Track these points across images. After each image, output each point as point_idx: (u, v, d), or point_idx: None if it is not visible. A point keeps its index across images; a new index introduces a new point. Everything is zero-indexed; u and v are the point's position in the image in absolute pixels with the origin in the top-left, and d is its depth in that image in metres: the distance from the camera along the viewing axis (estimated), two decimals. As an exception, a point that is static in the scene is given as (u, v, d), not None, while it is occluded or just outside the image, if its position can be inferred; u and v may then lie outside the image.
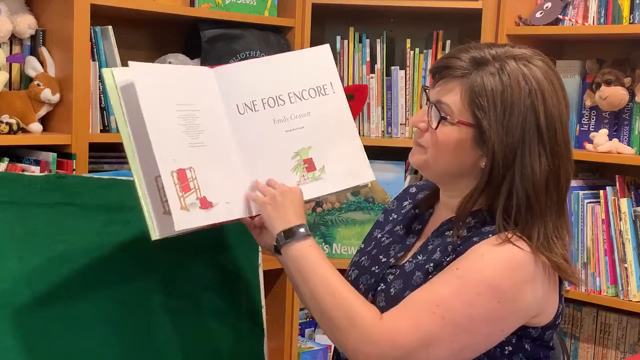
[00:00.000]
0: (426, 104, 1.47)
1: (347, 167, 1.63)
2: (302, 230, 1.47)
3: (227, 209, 1.53)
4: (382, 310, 1.40)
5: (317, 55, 1.69)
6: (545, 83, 1.39)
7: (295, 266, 1.46)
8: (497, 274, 1.35)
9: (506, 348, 1.42)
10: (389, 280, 1.48)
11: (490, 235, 1.39)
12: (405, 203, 1.66)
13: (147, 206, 1.45)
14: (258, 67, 1.63)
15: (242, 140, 1.58)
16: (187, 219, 1.45)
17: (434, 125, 1.43)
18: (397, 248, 1.55)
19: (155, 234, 1.45)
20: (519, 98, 1.38)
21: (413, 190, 1.69)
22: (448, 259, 1.41)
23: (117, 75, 1.47)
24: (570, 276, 1.43)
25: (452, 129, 1.42)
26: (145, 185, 1.46)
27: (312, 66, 1.66)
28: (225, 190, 1.53)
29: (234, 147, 1.57)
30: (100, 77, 2.29)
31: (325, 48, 1.69)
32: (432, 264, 1.43)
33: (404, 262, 1.51)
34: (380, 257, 1.56)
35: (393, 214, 1.65)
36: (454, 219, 1.45)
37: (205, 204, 1.49)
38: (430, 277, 1.41)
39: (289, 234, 1.47)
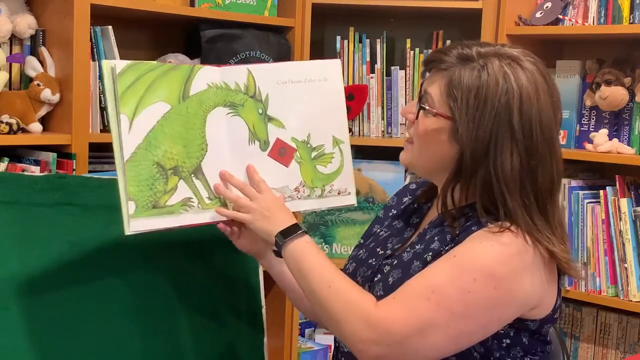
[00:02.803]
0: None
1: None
2: (297, 228, 1.49)
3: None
4: (380, 299, 1.40)
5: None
6: (526, 84, 1.40)
7: (295, 264, 1.47)
8: (493, 260, 1.35)
9: (504, 341, 1.42)
10: (385, 270, 1.49)
11: (489, 224, 1.39)
12: (405, 199, 1.67)
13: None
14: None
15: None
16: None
17: (415, 114, 1.46)
18: (395, 241, 1.56)
19: (128, 229, 1.47)
20: (494, 95, 1.39)
21: (413, 186, 1.70)
22: (447, 247, 1.42)
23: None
24: (568, 266, 1.43)
25: (432, 120, 1.44)
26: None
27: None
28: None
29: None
30: (100, 77, 2.29)
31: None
32: (430, 254, 1.43)
33: (400, 252, 1.51)
34: (378, 249, 1.58)
35: (393, 210, 1.67)
36: (442, 210, 1.46)
37: None
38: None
39: (286, 233, 1.49)
